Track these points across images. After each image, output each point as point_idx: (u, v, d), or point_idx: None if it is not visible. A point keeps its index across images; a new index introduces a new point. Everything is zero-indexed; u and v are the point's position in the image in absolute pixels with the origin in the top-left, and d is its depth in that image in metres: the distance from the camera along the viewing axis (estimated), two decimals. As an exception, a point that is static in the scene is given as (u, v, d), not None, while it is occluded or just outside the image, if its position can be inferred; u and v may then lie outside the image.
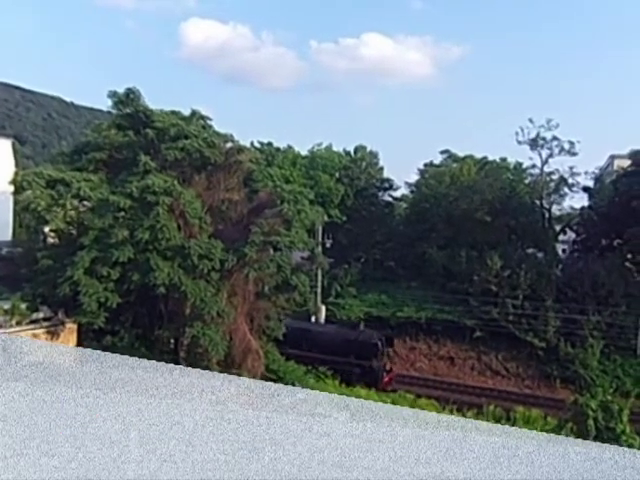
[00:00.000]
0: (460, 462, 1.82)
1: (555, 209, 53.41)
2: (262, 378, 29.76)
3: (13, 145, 48.00)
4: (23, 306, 28.71)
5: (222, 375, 2.86)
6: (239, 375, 28.28)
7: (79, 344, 29.96)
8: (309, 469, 1.70)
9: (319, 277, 43.09)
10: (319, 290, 43.52)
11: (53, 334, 29.05)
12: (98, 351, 2.66)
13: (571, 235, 53.31)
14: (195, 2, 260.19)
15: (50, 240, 33.57)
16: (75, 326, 29.63)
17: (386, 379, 38.55)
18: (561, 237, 54.43)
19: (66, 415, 2.10)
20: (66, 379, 2.49)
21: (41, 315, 29.77)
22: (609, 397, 29.48)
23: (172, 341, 31.55)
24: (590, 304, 41.91)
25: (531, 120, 49.37)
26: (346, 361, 37.62)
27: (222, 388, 2.65)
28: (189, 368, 2.67)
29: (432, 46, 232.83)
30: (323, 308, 44.63)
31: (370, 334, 39.78)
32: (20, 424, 1.95)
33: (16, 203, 33.45)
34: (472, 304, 44.41)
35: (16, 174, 31.43)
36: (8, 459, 1.69)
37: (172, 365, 2.73)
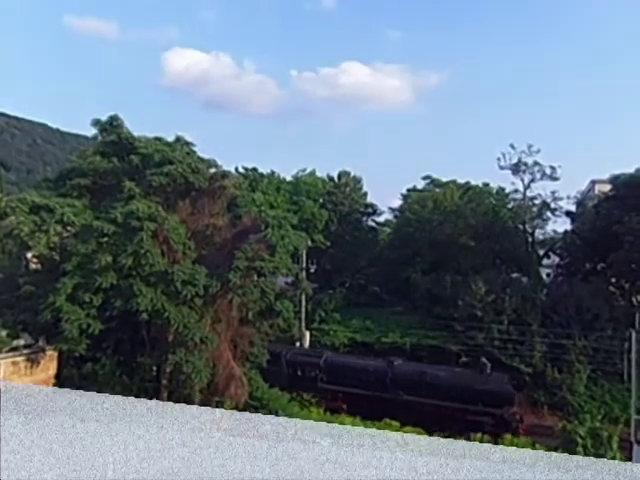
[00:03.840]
0: None
1: (538, 233, 53.83)
2: (245, 405, 29.47)
3: (-3, 171, 47.82)
4: (3, 333, 28.39)
5: (222, 410, 2.90)
6: (222, 402, 28.03)
7: (59, 372, 29.61)
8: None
9: (303, 303, 42.97)
10: (303, 316, 43.35)
11: (33, 362, 28.73)
12: (95, 393, 2.72)
13: (555, 259, 53.63)
14: (178, 32, 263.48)
15: (32, 266, 33.30)
16: (56, 353, 29.30)
17: (521, 431, 33.59)
18: (545, 261, 54.76)
19: (67, 457, 2.16)
20: (69, 423, 2.53)
21: (22, 342, 29.43)
22: (598, 424, 29.22)
23: (154, 368, 31.23)
24: (576, 329, 41.76)
25: (512, 146, 50.06)
26: (474, 409, 33.10)
27: (208, 419, 2.67)
28: (192, 406, 2.71)
29: (410, 73, 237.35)
30: (307, 334, 44.43)
31: (500, 378, 35.44)
32: (25, 468, 2.01)
33: (-1, 229, 33.24)
34: (457, 329, 44.26)
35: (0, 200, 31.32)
36: None
37: (171, 403, 2.76)
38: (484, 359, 38.13)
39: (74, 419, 2.39)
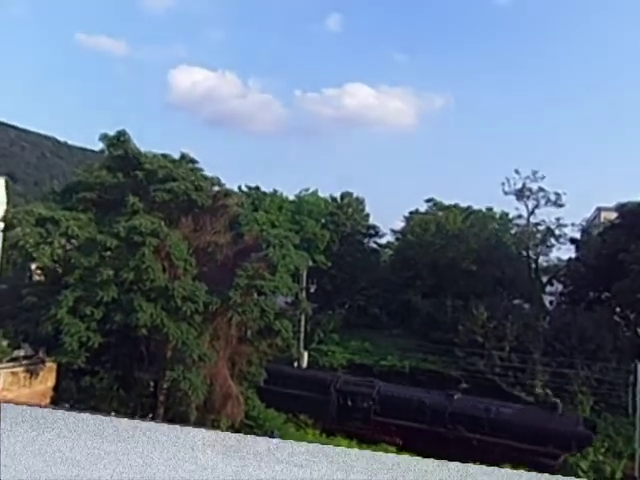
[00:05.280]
0: None
1: (542, 260, 53.53)
2: (241, 424, 29.35)
3: (6, 183, 48.10)
4: (4, 343, 28.45)
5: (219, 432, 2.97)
6: (218, 420, 27.93)
7: (57, 384, 29.58)
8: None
9: (302, 322, 42.81)
10: (302, 336, 43.18)
11: (32, 373, 28.75)
12: (93, 414, 2.80)
13: (558, 287, 53.20)
14: (185, 51, 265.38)
15: (36, 277, 33.45)
16: (55, 365, 29.32)
17: None
18: (548, 288, 54.38)
19: (65, 477, 2.24)
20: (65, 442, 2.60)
21: (22, 353, 29.48)
22: (601, 457, 28.32)
23: (152, 384, 31.15)
24: (578, 358, 40.65)
25: (517, 171, 49.96)
26: (544, 451, 30.49)
27: (203, 441, 2.72)
28: (189, 427, 2.77)
29: (415, 96, 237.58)
30: (306, 354, 44.17)
31: (574, 420, 33.50)
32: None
33: (5, 240, 33.48)
34: (457, 354, 43.79)
35: (7, 211, 31.55)
36: None
37: (168, 424, 2.83)
38: (556, 399, 36.49)
39: (72, 439, 2.45)
